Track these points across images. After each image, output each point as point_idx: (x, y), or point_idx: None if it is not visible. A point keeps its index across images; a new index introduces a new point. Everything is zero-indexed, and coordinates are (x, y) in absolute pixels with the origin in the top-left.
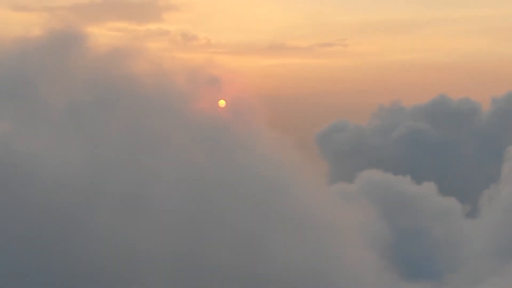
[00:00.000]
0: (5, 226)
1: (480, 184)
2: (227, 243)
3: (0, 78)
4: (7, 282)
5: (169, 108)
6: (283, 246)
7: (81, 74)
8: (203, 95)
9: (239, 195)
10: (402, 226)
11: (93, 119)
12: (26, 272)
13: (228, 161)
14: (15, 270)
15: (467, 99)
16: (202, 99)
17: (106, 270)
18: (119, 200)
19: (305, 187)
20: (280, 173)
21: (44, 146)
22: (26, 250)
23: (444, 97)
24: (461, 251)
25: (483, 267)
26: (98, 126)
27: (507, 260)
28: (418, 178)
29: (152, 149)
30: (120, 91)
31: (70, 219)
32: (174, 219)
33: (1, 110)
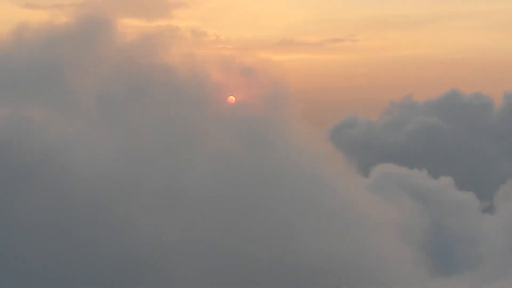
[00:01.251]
0: (37, 217)
1: (494, 180)
2: (266, 235)
3: (30, 66)
4: (38, 271)
5: (204, 98)
6: (321, 238)
7: (112, 62)
8: (238, 85)
9: (277, 187)
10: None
11: (125, 108)
12: (57, 263)
13: (265, 152)
14: (47, 260)
15: (479, 93)
16: (237, 89)
17: (141, 263)
18: (154, 192)
19: (341, 179)
20: (316, 165)
21: (76, 135)
22: (59, 241)
23: (456, 92)
24: (479, 248)
25: (500, 264)
26: (130, 116)
27: None
28: (431, 173)
29: (187, 140)
30: (153, 81)
31: (103, 210)
32: (211, 212)
33: (33, 99)
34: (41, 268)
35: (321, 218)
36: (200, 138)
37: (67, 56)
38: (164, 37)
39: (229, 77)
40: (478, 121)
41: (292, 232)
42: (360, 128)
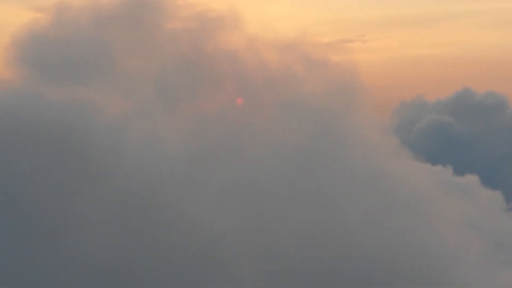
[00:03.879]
0: (93, 203)
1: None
2: (337, 228)
3: (78, 48)
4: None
5: (269, 86)
6: (391, 225)
7: (169, 46)
8: (307, 75)
9: (349, 181)
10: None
11: (185, 95)
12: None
13: (337, 145)
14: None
15: (492, 92)
16: (306, 79)
17: (201, 256)
18: (214, 183)
19: (407, 169)
20: (388, 158)
21: (133, 121)
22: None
23: (468, 91)
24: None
25: None
26: (191, 104)
27: None
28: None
29: (254, 131)
30: (215, 67)
31: (158, 199)
32: (283, 206)
33: (88, 82)
34: (99, 262)
35: (390, 206)
36: (267, 129)
37: (117, 39)
38: (226, 19)
39: (296, 65)
40: (492, 120)
41: (365, 225)
42: None
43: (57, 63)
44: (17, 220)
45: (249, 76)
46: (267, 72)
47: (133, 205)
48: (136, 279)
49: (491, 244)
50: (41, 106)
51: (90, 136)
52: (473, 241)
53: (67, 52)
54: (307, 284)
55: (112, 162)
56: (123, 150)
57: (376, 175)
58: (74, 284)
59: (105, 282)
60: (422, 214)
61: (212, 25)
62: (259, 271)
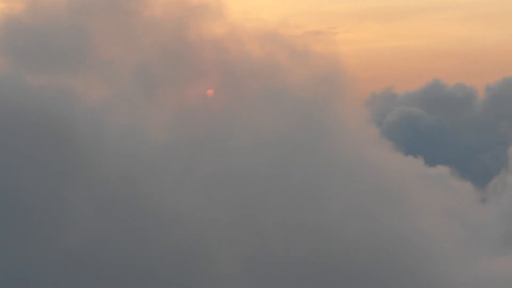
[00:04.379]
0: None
1: (481, 170)
2: (316, 219)
3: (56, 36)
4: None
5: (252, 75)
6: (373, 216)
7: (150, 34)
8: (291, 64)
9: (330, 170)
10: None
11: (165, 82)
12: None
13: (319, 134)
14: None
15: (461, 84)
16: (290, 68)
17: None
18: (201, 175)
19: (388, 159)
20: (367, 147)
21: (113, 108)
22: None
23: (438, 83)
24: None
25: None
26: (172, 91)
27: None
28: None
29: (235, 121)
30: (197, 56)
31: (137, 186)
32: (262, 195)
33: (68, 69)
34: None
35: (371, 197)
36: (250, 118)
37: (95, 26)
38: (209, 7)
39: (279, 55)
40: (461, 112)
41: (346, 216)
42: None
43: (35, 50)
44: None
45: (232, 65)
46: (250, 61)
47: (114, 194)
48: (118, 269)
49: (468, 234)
50: (20, 93)
51: (70, 124)
52: (451, 230)
53: (44, 39)
54: (290, 275)
55: (93, 150)
56: (104, 138)
57: (358, 166)
58: (57, 274)
59: (88, 272)
60: (403, 204)
61: (194, 12)
62: (243, 262)
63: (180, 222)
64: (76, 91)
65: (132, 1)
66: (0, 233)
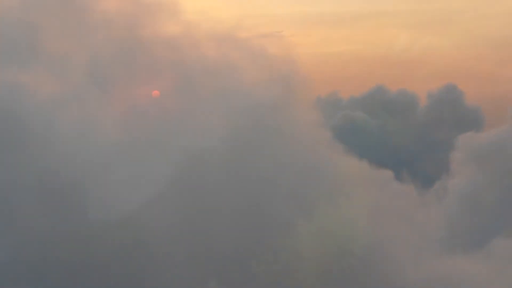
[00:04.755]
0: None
1: (423, 174)
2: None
3: (5, 31)
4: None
5: (207, 75)
6: (326, 218)
7: (102, 31)
8: (246, 64)
9: (283, 170)
10: None
11: (119, 79)
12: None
13: (272, 135)
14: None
15: (404, 90)
16: (245, 67)
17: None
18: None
19: (339, 162)
20: (319, 149)
21: (65, 104)
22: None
23: (382, 88)
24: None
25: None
26: (125, 88)
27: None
28: None
29: (190, 119)
30: (150, 52)
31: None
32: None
33: (19, 65)
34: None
35: (329, 204)
36: (203, 118)
37: (45, 20)
38: (163, 5)
39: (234, 55)
40: (404, 117)
41: (298, 218)
42: None
43: None
44: None
45: (187, 65)
46: (204, 61)
47: (62, 196)
48: (63, 274)
49: (413, 236)
50: None
51: (19, 120)
52: (399, 232)
53: None
54: (242, 274)
55: (42, 148)
56: (53, 136)
57: (309, 167)
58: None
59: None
60: (355, 206)
61: (148, 10)
62: (193, 264)
63: (128, 225)
64: (26, 87)
65: None
66: None
